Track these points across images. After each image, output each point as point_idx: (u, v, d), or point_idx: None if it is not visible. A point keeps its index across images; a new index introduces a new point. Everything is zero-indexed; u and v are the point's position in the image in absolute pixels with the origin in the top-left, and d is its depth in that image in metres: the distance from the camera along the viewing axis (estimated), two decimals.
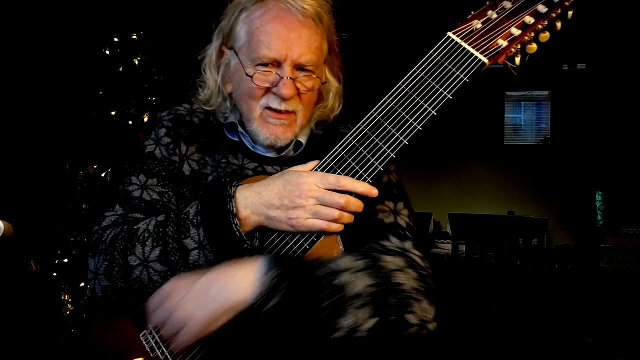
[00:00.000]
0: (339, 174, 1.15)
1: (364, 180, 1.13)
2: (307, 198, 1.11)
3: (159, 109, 4.46)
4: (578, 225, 5.12)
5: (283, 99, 1.26)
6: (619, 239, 4.27)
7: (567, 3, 1.06)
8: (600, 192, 4.82)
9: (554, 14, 1.06)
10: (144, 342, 1.21)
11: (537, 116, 5.66)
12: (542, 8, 1.06)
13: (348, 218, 1.13)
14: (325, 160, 1.17)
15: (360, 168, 1.14)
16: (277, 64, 1.25)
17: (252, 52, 1.26)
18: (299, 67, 1.27)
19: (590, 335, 3.86)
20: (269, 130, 1.30)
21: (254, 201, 1.14)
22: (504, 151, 5.65)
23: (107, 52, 4.30)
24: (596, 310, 4.00)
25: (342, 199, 1.11)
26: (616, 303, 3.97)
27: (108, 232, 1.25)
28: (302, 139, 1.38)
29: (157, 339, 1.20)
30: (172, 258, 1.16)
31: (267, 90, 1.28)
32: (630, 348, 3.72)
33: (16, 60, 4.03)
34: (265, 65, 1.26)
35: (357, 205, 1.12)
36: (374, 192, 1.13)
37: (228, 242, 1.13)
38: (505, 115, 5.69)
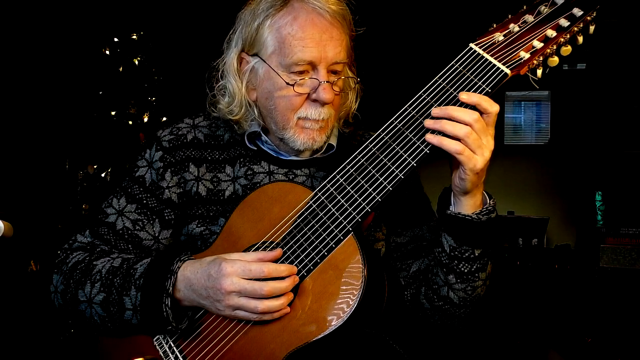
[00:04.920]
0: (358, 181, 1.14)
1: (384, 188, 1.12)
2: (228, 293, 1.09)
3: (159, 109, 4.46)
4: (578, 225, 5.12)
5: (323, 104, 1.26)
6: (619, 239, 4.29)
7: (589, 18, 1.07)
8: (600, 192, 4.83)
9: (575, 28, 1.07)
10: (157, 347, 1.22)
11: (537, 116, 5.65)
12: (564, 22, 1.07)
13: (279, 305, 1.09)
14: (345, 167, 1.17)
15: (381, 176, 1.13)
16: (312, 66, 1.25)
17: (285, 58, 1.25)
18: (332, 71, 1.27)
19: (590, 335, 3.87)
20: (307, 135, 1.29)
21: (187, 286, 1.15)
22: (504, 151, 5.64)
23: (107, 52, 4.29)
24: (596, 310, 4.01)
25: (265, 288, 1.08)
26: (616, 303, 3.98)
27: (73, 255, 1.30)
28: (333, 141, 1.38)
29: (171, 343, 1.21)
30: (112, 309, 1.21)
31: (306, 99, 1.27)
32: (630, 348, 3.73)
33: (16, 60, 4.01)
34: (301, 72, 1.25)
35: (283, 289, 1.09)
36: (294, 269, 1.12)
37: (156, 318, 1.16)
38: (505, 115, 5.68)
